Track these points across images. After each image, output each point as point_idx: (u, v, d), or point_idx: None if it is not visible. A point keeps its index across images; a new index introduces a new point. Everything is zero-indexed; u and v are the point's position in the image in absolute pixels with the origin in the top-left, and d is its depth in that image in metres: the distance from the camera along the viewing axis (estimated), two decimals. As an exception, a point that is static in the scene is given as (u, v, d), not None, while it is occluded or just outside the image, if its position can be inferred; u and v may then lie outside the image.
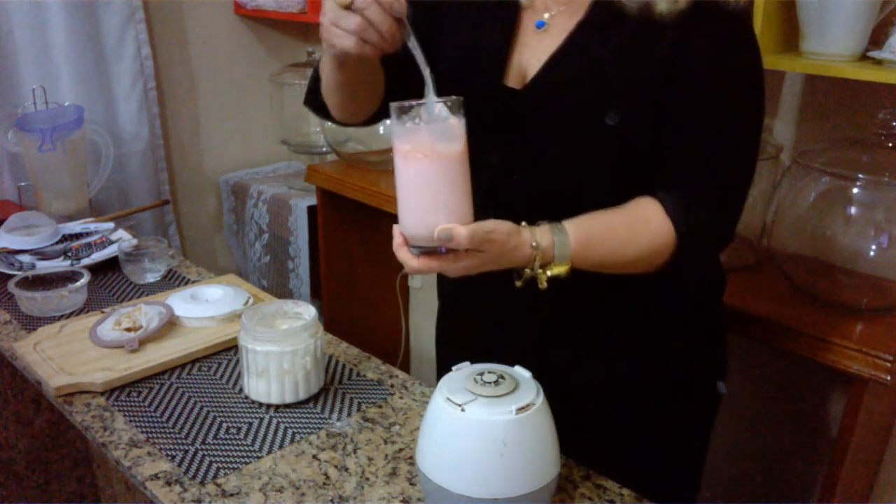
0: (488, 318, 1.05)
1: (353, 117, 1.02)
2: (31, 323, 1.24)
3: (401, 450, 0.93)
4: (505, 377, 0.79)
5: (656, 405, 1.02)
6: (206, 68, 2.26)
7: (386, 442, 0.95)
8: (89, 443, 1.74)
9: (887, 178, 1.17)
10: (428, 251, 0.79)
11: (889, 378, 1.09)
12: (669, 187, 0.88)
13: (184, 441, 0.95)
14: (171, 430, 0.97)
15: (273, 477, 0.88)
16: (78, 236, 1.56)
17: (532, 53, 0.92)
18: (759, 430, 1.59)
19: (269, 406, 1.02)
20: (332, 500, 0.85)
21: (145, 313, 1.18)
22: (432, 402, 0.79)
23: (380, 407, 1.02)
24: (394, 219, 0.80)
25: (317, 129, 2.23)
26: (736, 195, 0.90)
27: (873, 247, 1.21)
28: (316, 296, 2.17)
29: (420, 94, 0.79)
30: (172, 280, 1.42)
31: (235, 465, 0.90)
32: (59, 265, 1.42)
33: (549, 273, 0.83)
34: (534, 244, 0.81)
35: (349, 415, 1.00)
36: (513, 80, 0.94)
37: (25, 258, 1.46)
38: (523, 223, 0.83)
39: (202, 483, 0.87)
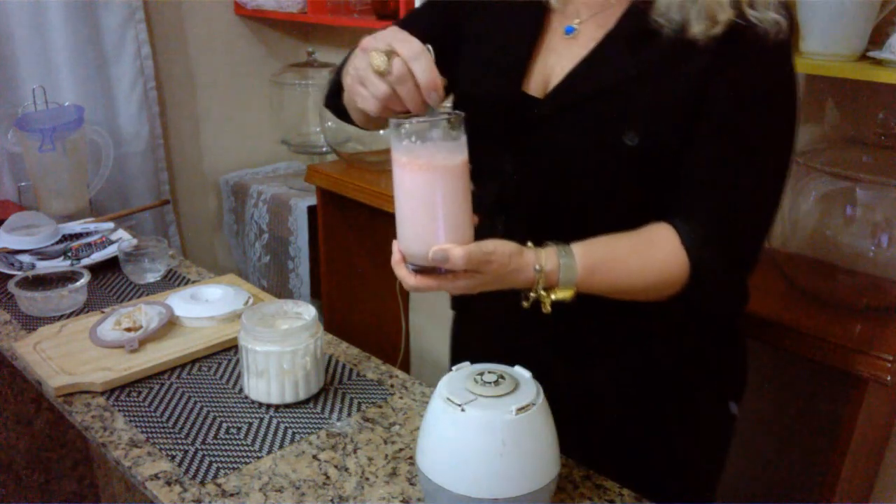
0: (499, 327, 1.03)
1: (378, 127, 1.00)
2: (31, 323, 1.24)
3: (401, 450, 0.93)
4: (505, 377, 0.79)
5: (666, 423, 0.98)
6: (206, 68, 2.26)
7: (386, 442, 0.95)
8: (89, 443, 1.74)
9: (888, 178, 1.17)
10: (426, 269, 0.77)
11: (889, 378, 1.09)
12: (687, 216, 0.84)
13: (184, 441, 0.95)
14: (171, 430, 0.97)
15: (273, 477, 0.88)
16: (78, 236, 1.56)
17: (557, 60, 0.89)
18: (759, 430, 1.59)
19: (269, 406, 1.02)
20: (332, 500, 0.85)
21: (145, 313, 1.18)
22: (432, 402, 0.79)
23: (380, 407, 1.02)
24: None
25: (317, 129, 2.23)
26: (756, 231, 0.87)
27: (873, 247, 1.21)
28: (316, 296, 2.17)
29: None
30: (172, 280, 1.42)
31: (235, 465, 0.90)
32: (59, 265, 1.42)
33: (553, 297, 0.81)
34: (537, 267, 0.79)
35: (349, 415, 1.00)
36: (534, 86, 0.90)
37: (25, 258, 1.46)
38: (529, 243, 0.81)
39: (202, 483, 0.87)
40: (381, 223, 2.00)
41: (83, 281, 1.30)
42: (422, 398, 1.04)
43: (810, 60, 1.22)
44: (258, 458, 0.92)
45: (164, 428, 0.97)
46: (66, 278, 1.32)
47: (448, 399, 0.76)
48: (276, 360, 0.98)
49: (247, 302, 1.24)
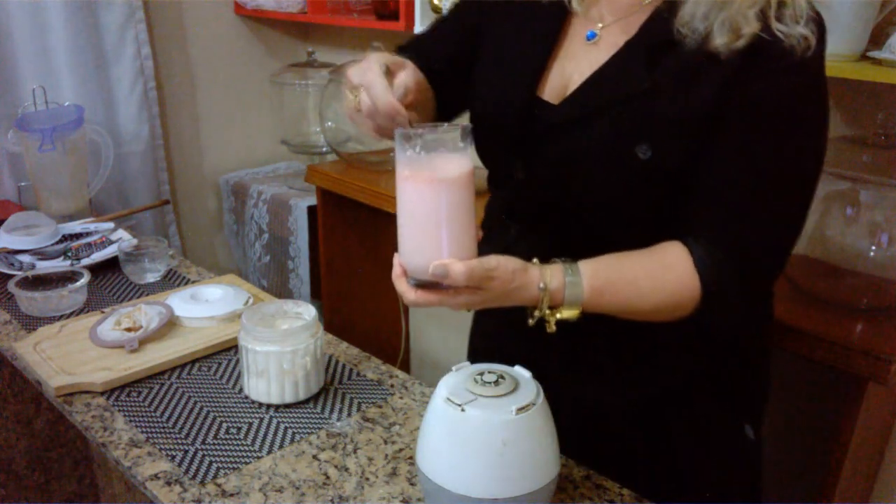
0: (512, 335, 0.99)
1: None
2: (31, 323, 1.24)
3: (401, 450, 0.93)
4: (505, 377, 0.79)
5: (675, 443, 0.95)
6: (206, 68, 2.26)
7: (386, 442, 0.95)
8: (89, 443, 1.74)
9: (888, 178, 1.17)
10: (427, 284, 0.76)
11: (889, 378, 1.09)
12: (702, 236, 0.81)
13: (184, 441, 0.95)
14: (171, 430, 0.97)
15: (273, 477, 0.88)
16: (78, 236, 1.56)
17: (576, 66, 0.87)
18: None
19: (269, 406, 1.02)
20: (332, 500, 0.85)
21: (145, 313, 1.18)
22: (432, 402, 0.79)
23: (380, 407, 1.02)
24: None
25: (317, 129, 2.23)
26: (774, 255, 0.83)
27: (874, 247, 1.21)
28: (316, 296, 2.17)
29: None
30: (172, 280, 1.42)
31: (235, 465, 0.90)
32: (59, 265, 1.42)
33: (558, 316, 0.79)
34: (542, 285, 0.77)
35: (349, 415, 1.00)
36: (550, 92, 0.88)
37: (25, 258, 1.46)
38: (535, 260, 0.79)
39: (202, 483, 0.87)
40: (382, 223, 2.00)
41: (83, 281, 1.30)
42: (422, 398, 1.04)
43: (810, 60, 1.22)
44: (258, 458, 0.92)
45: (164, 428, 0.97)
46: (66, 278, 1.32)
47: (448, 399, 0.76)
48: (276, 360, 0.98)
49: (247, 302, 1.24)
